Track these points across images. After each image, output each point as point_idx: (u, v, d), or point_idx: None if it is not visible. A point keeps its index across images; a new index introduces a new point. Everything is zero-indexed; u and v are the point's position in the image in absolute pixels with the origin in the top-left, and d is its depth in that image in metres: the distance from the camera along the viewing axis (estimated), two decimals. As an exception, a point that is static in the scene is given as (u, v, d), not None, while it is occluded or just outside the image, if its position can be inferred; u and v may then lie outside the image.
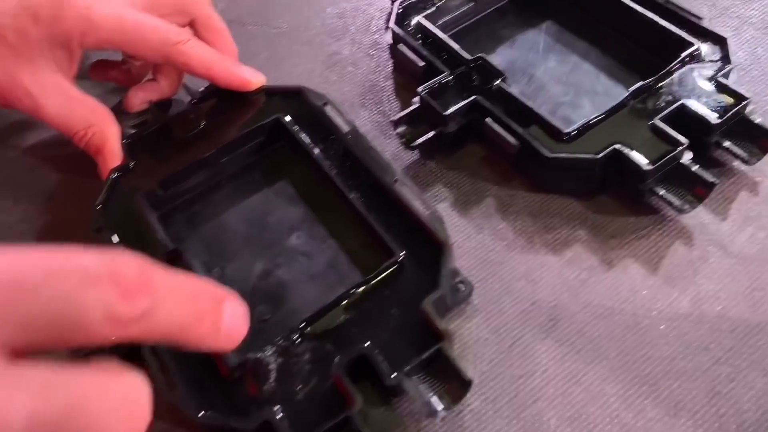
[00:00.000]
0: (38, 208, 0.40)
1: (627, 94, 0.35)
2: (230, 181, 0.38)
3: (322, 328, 0.30)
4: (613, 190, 0.35)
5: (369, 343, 0.29)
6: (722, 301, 0.31)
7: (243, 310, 0.23)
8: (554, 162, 0.34)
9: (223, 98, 0.40)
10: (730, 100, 0.34)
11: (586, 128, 0.34)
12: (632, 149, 0.33)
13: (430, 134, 0.37)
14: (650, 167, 0.32)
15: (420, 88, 0.37)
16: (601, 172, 0.34)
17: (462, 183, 0.38)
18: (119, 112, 0.41)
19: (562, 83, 0.40)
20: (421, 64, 0.39)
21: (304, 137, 0.37)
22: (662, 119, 0.34)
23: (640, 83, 0.35)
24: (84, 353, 0.26)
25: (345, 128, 0.37)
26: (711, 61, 0.37)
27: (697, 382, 0.29)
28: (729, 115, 0.34)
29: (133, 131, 0.40)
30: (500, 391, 0.30)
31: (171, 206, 0.37)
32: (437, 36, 0.40)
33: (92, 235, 0.35)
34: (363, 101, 0.43)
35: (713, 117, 0.34)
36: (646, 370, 0.29)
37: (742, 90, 0.35)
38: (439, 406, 0.27)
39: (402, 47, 0.41)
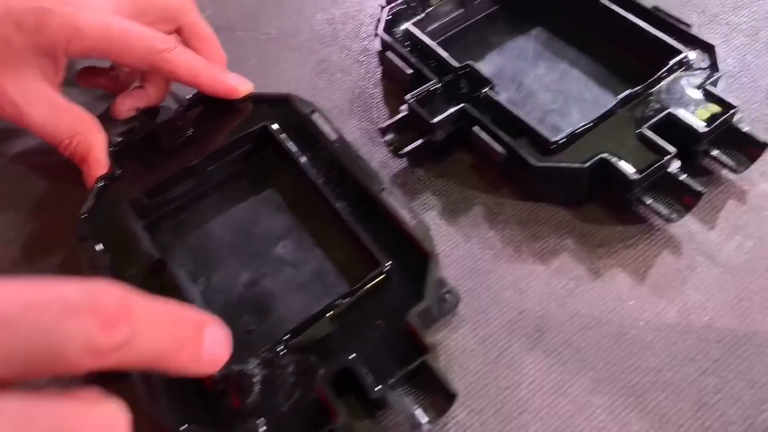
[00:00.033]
0: (24, 216, 0.39)
1: (615, 102, 0.35)
2: (217, 189, 0.38)
3: (306, 339, 0.30)
4: (601, 199, 0.35)
5: (354, 355, 0.29)
6: (709, 311, 0.31)
7: (224, 335, 0.23)
8: (541, 171, 0.34)
9: (210, 106, 0.40)
10: (717, 108, 0.34)
11: (573, 137, 0.34)
12: (620, 158, 0.33)
13: (418, 142, 0.37)
14: (637, 176, 0.32)
15: (408, 96, 0.37)
16: (588, 181, 0.34)
17: (450, 191, 0.37)
18: (107, 119, 0.41)
19: (551, 90, 0.40)
20: (409, 71, 0.39)
21: (291, 145, 0.37)
22: (650, 128, 0.34)
23: (628, 91, 0.35)
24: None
25: (332, 136, 0.37)
26: (699, 68, 0.37)
27: (683, 393, 0.28)
28: (717, 123, 0.34)
29: (119, 139, 0.40)
30: (486, 403, 0.29)
31: (157, 215, 0.37)
32: (425, 43, 0.40)
33: (78, 243, 0.35)
34: (352, 108, 0.42)
35: (701, 126, 0.34)
36: (633, 381, 0.29)
37: (730, 98, 0.35)
38: (424, 419, 0.27)
39: (390, 54, 0.41)
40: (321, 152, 0.36)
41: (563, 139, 0.34)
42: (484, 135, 0.36)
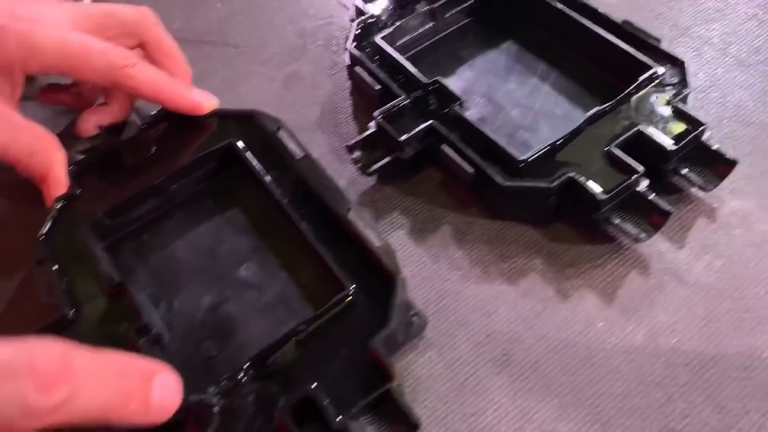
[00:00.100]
0: (-17, 237, 0.38)
1: (583, 119, 0.35)
2: (181, 208, 0.37)
3: (268, 367, 0.29)
4: (570, 218, 0.35)
5: (316, 384, 0.28)
6: (678, 333, 0.30)
7: (175, 382, 0.23)
8: (508, 190, 0.33)
9: (174, 122, 0.39)
10: (686, 126, 0.34)
11: (541, 156, 0.34)
12: (588, 177, 0.33)
13: (386, 160, 0.36)
14: (605, 196, 0.32)
15: (376, 113, 0.37)
16: (556, 201, 0.34)
17: (419, 209, 0.37)
18: (69, 136, 0.40)
19: (521, 106, 0.39)
20: (378, 87, 0.39)
21: (256, 163, 0.36)
22: (619, 145, 0.33)
23: (596, 108, 0.35)
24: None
25: (298, 154, 0.36)
26: (669, 84, 0.37)
27: (650, 419, 0.28)
28: (685, 141, 0.33)
29: (81, 157, 0.39)
30: (452, 431, 0.29)
31: (119, 235, 0.36)
32: (394, 58, 0.39)
33: (36, 266, 0.34)
34: (320, 123, 0.42)
35: (669, 144, 0.33)
36: (599, 407, 0.29)
37: (700, 113, 0.34)
38: (387, 449, 0.27)
39: (359, 70, 0.40)
40: (286, 171, 0.36)
41: (531, 157, 0.33)
42: (452, 153, 0.35)
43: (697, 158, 0.34)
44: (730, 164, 0.34)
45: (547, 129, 0.38)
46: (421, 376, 0.30)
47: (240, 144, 0.37)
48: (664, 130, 0.34)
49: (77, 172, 0.37)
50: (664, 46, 0.38)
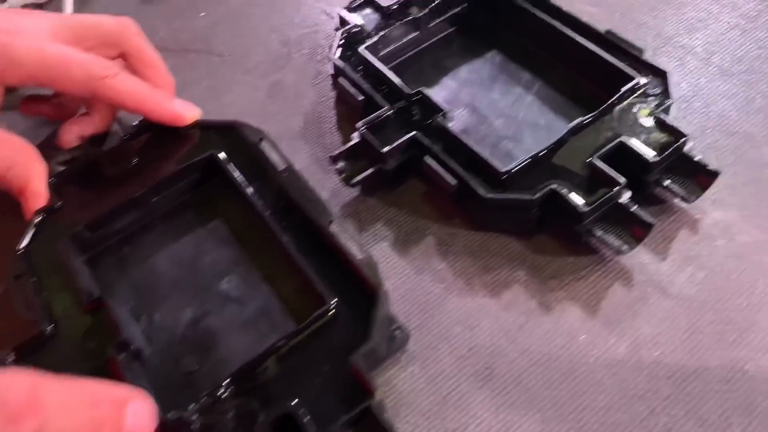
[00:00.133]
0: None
1: (566, 131, 0.35)
2: (162, 220, 0.37)
3: (248, 383, 0.29)
4: (553, 229, 0.35)
5: (296, 400, 0.28)
6: (660, 345, 0.30)
7: (148, 408, 0.23)
8: (491, 202, 0.33)
9: (156, 133, 0.39)
10: (663, 136, 0.34)
11: (524, 167, 0.33)
12: (570, 189, 0.33)
13: (369, 171, 0.36)
14: (587, 208, 0.32)
15: (359, 124, 0.36)
16: (539, 212, 0.34)
17: (403, 221, 0.37)
18: (50, 147, 0.39)
19: (505, 116, 0.39)
20: (361, 98, 0.38)
21: (238, 175, 0.36)
22: (601, 157, 0.33)
23: (579, 119, 0.35)
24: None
25: (280, 166, 0.36)
26: (652, 95, 0.37)
27: (632, 434, 0.28)
28: (667, 153, 0.33)
29: (61, 168, 0.38)
30: (433, 447, 0.29)
31: (99, 248, 0.36)
32: (377, 68, 0.39)
33: (14, 281, 0.33)
34: (304, 134, 0.41)
35: (651, 155, 0.33)
36: (582, 422, 0.28)
37: (683, 123, 0.35)
38: (367, 466, 0.26)
39: (342, 80, 0.40)
40: (268, 182, 0.35)
41: (513, 169, 0.33)
42: (434, 165, 0.35)
43: (680, 169, 0.34)
44: (713, 175, 0.34)
45: (530, 139, 0.38)
46: (403, 390, 0.30)
47: (222, 155, 0.37)
48: (647, 141, 0.34)
49: (57, 184, 0.37)
50: (648, 55, 0.38)
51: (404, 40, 0.43)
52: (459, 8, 0.44)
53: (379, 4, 0.43)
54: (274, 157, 0.36)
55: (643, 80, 0.37)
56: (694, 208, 0.35)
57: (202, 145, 0.38)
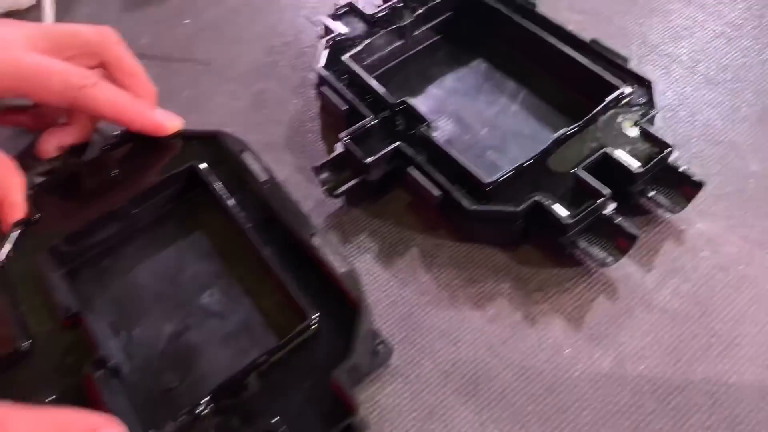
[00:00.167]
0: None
1: (550, 141, 0.34)
2: (143, 232, 0.36)
3: (228, 400, 0.28)
4: (538, 240, 0.34)
5: (277, 418, 0.27)
6: (644, 359, 0.30)
7: None
8: (475, 214, 0.33)
9: (137, 143, 0.38)
10: (648, 146, 0.34)
11: (508, 179, 0.33)
12: (554, 200, 0.32)
13: (353, 182, 0.36)
14: (571, 220, 0.31)
15: (342, 134, 0.36)
16: (523, 224, 0.33)
17: (387, 232, 0.36)
18: (28, 157, 0.39)
19: (490, 125, 0.39)
20: (344, 107, 0.38)
21: (220, 186, 0.35)
22: (585, 168, 0.33)
23: (563, 130, 0.35)
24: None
25: (262, 177, 0.35)
26: (637, 104, 0.36)
27: (616, 450, 0.28)
28: (652, 163, 0.33)
29: (40, 180, 0.38)
30: (417, 463, 0.28)
31: (79, 261, 0.35)
32: (361, 77, 0.39)
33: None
34: (288, 143, 0.41)
35: (636, 166, 0.33)
36: (566, 438, 0.28)
37: (668, 133, 0.34)
38: (348, 486, 0.26)
39: (326, 89, 0.39)
40: (250, 194, 0.35)
41: (498, 180, 0.33)
42: (419, 176, 0.34)
43: (665, 180, 0.34)
44: (697, 186, 0.33)
45: (515, 149, 0.38)
46: (386, 406, 0.30)
47: (203, 166, 0.36)
48: (631, 152, 0.34)
49: (36, 196, 0.36)
50: (633, 64, 0.37)
51: (389, 48, 0.43)
52: (445, 16, 0.44)
53: (363, 12, 0.43)
54: (256, 168, 0.36)
55: (627, 90, 0.36)
56: (679, 218, 0.35)
57: (184, 155, 0.38)
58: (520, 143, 0.38)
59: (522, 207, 0.32)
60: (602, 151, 0.34)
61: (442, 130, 0.39)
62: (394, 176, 0.37)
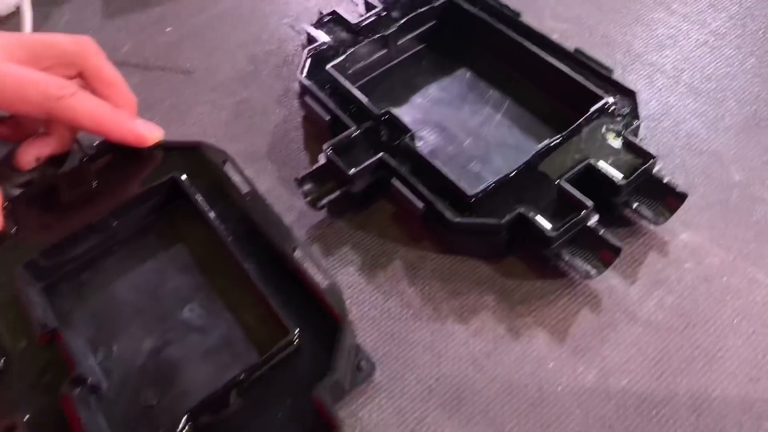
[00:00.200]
0: None
1: (533, 153, 0.34)
2: (123, 245, 0.36)
3: (208, 418, 0.28)
4: (522, 252, 0.34)
5: (257, 436, 0.27)
6: (628, 373, 0.30)
7: None
8: (458, 227, 0.32)
9: (117, 154, 0.38)
10: (631, 158, 0.34)
11: (492, 190, 0.33)
12: (538, 212, 0.32)
13: (336, 194, 0.35)
14: (554, 233, 0.31)
15: (325, 145, 0.36)
16: (507, 236, 0.33)
17: (370, 244, 0.36)
18: (6, 168, 0.38)
19: (474, 136, 0.39)
20: (327, 118, 0.38)
21: (201, 198, 0.35)
22: (569, 179, 0.33)
23: (546, 141, 0.34)
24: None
25: (244, 189, 0.35)
26: (620, 115, 0.36)
27: (600, 466, 0.28)
28: (635, 175, 0.33)
29: (17, 192, 0.37)
30: (400, 480, 0.28)
31: (56, 276, 0.35)
32: (345, 87, 0.38)
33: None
34: (270, 153, 0.41)
35: (619, 177, 0.33)
36: (550, 453, 0.28)
37: (652, 143, 0.34)
38: (329, 505, 0.26)
39: (308, 99, 0.39)
40: (231, 206, 0.35)
41: (481, 192, 0.33)
42: (402, 188, 0.34)
43: (648, 191, 0.34)
44: (681, 197, 0.33)
45: (499, 159, 0.37)
46: (369, 423, 0.29)
47: (184, 178, 0.36)
48: (615, 163, 0.34)
49: (13, 208, 0.36)
50: (617, 73, 0.37)
51: (373, 57, 0.42)
52: (429, 25, 0.43)
53: (347, 21, 0.43)
54: (237, 179, 0.35)
55: (611, 100, 0.36)
56: (663, 229, 0.35)
57: (165, 166, 0.37)
58: (504, 153, 0.38)
59: (506, 219, 0.32)
60: (586, 162, 0.34)
61: (425, 141, 0.39)
62: (378, 187, 0.36)
